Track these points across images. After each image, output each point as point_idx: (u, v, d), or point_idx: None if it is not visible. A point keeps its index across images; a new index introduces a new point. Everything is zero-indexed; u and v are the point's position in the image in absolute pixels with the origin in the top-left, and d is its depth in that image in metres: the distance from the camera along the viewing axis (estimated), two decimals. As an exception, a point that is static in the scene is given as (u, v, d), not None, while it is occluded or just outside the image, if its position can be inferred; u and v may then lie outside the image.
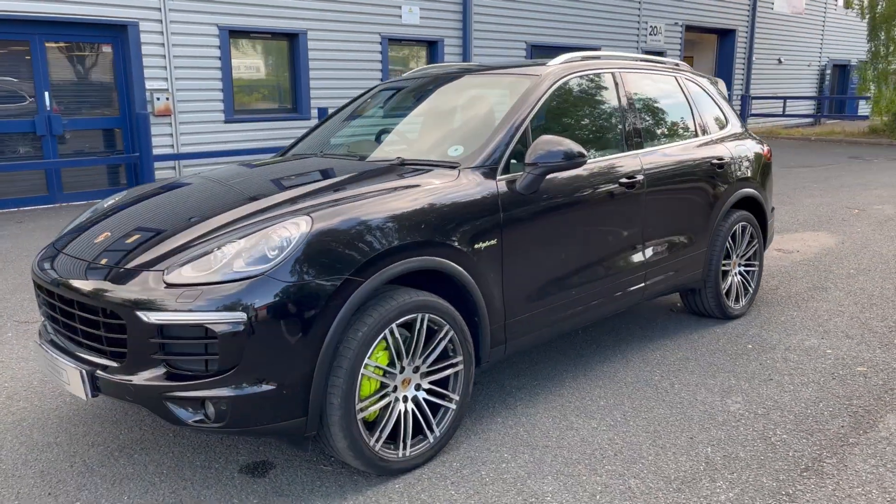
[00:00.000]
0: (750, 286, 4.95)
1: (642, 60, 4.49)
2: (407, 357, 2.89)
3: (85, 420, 3.48)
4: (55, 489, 2.88)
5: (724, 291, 4.69)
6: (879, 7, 19.42)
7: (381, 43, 12.78)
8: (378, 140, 3.95)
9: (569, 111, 3.81)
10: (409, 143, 3.76)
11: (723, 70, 21.45)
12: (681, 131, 4.49)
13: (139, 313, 2.53)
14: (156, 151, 10.07)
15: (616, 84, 4.08)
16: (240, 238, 2.66)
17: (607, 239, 3.78)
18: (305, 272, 2.57)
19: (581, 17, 16.16)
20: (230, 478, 2.94)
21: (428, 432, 2.98)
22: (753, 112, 21.25)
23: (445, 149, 3.49)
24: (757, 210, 4.94)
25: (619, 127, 4.02)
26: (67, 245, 3.10)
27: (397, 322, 2.79)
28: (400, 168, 3.31)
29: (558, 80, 3.72)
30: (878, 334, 4.46)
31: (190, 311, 2.49)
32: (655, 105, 4.36)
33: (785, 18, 22.92)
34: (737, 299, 4.83)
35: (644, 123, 4.18)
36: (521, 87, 3.64)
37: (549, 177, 3.36)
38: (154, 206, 3.31)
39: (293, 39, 11.77)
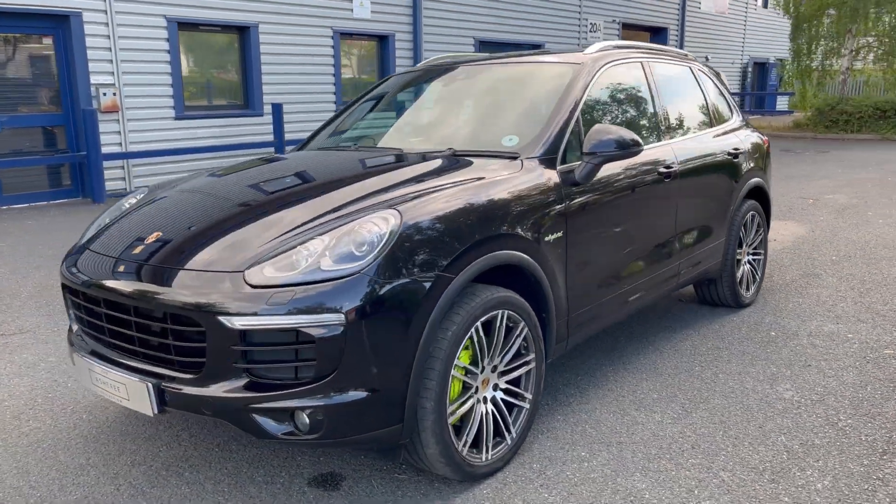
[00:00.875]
0: (757, 274, 5.02)
1: (658, 51, 4.47)
2: (486, 356, 2.76)
3: (114, 438, 3.20)
4: (109, 516, 2.62)
5: (738, 280, 4.74)
6: (802, 7, 20.31)
7: (332, 37, 12.49)
8: (414, 131, 3.78)
9: (609, 100, 3.74)
10: (451, 134, 3.60)
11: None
12: (700, 121, 4.50)
13: (222, 319, 2.31)
14: (103, 150, 9.50)
15: (645, 73, 4.05)
16: (322, 235, 2.47)
17: (649, 229, 3.74)
18: (401, 269, 2.40)
19: (526, 14, 16.25)
20: (300, 492, 2.73)
21: (506, 433, 2.86)
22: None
23: (498, 139, 3.36)
24: (762, 199, 5.02)
25: (653, 116, 3.99)
26: (108, 247, 2.82)
27: (481, 320, 2.66)
28: (458, 159, 3.17)
29: (599, 69, 3.65)
30: (888, 318, 4.59)
31: (282, 314, 2.28)
32: (678, 95, 4.36)
33: (711, 17, 23.71)
34: (747, 287, 4.89)
35: (671, 113, 4.17)
36: (565, 76, 3.55)
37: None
38: (202, 202, 3.05)
39: (244, 33, 11.35)
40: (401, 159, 3.31)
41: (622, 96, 3.86)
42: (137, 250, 2.69)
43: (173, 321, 2.43)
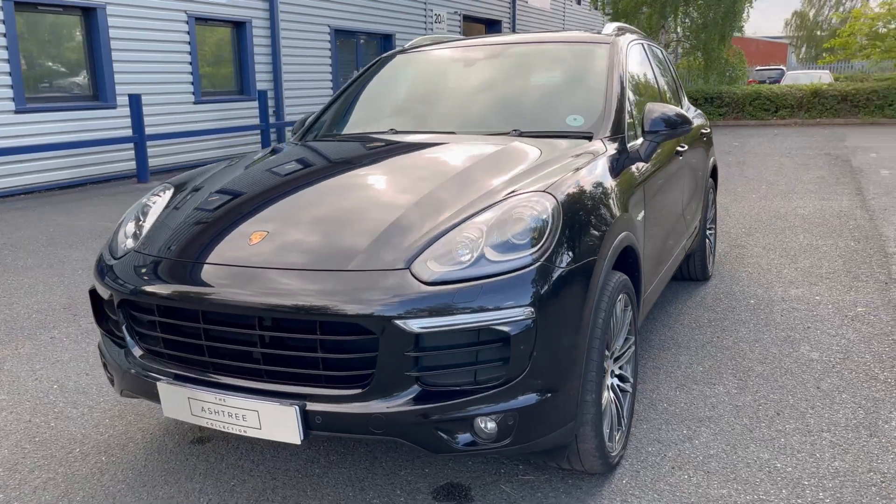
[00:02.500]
0: (712, 247, 5.32)
1: (641, 33, 4.56)
2: (613, 342, 2.66)
3: (164, 479, 2.70)
4: (231, 569, 2.20)
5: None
6: (620, 4, 21.86)
7: (187, 22, 11.52)
8: (457, 114, 3.51)
9: (636, 79, 3.75)
10: (503, 115, 3.39)
11: (492, 58, 22.72)
12: (676, 100, 4.66)
13: (399, 322, 2.01)
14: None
15: (646, 54, 4.11)
16: (474, 223, 2.23)
17: (675, 207, 3.81)
18: (569, 255, 2.24)
19: (378, 4, 16.07)
20: (419, 500, 2.48)
21: (622, 420, 2.78)
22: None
23: (558, 119, 3.25)
24: (715, 175, 5.31)
25: (658, 94, 4.07)
26: (194, 253, 2.37)
27: (616, 304, 2.55)
28: (547, 141, 3.01)
29: (626, 48, 3.65)
30: (834, 279, 5.06)
31: (468, 311, 2.03)
32: (664, 75, 4.47)
33: (538, 12, 24.89)
34: (709, 260, 5.17)
35: (667, 91, 4.28)
36: (601, 56, 3.51)
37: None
38: (291, 193, 2.68)
39: (90, 14, 10.14)
40: (482, 142, 3.07)
41: (642, 75, 3.89)
42: (248, 253, 2.27)
43: (327, 331, 2.08)
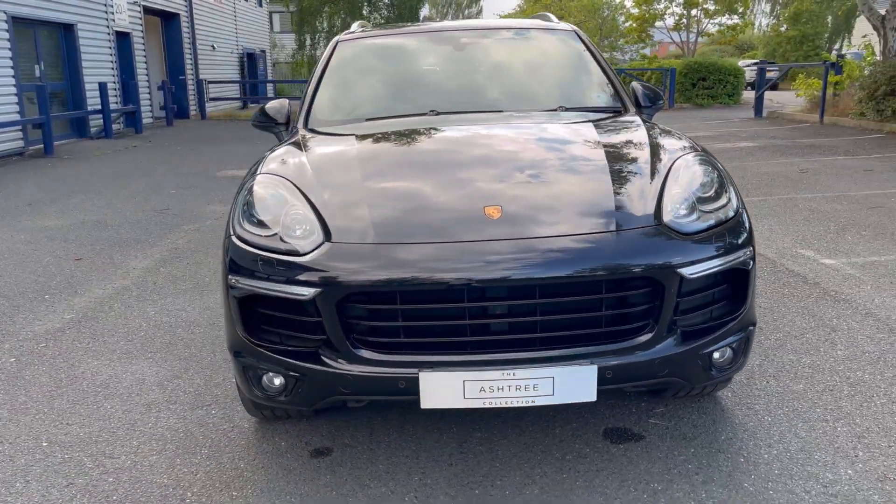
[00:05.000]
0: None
1: None
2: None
3: (343, 489, 2.45)
4: None
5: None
6: (305, 1, 22.12)
7: None
8: (483, 94, 3.54)
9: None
10: (534, 94, 3.58)
11: (172, 53, 21.27)
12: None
13: (680, 271, 2.21)
14: None
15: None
16: (673, 182, 2.49)
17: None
18: (741, 206, 2.59)
19: (57, -11, 14.07)
20: (602, 447, 2.66)
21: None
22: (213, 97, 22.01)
23: (587, 95, 3.59)
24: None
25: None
26: (441, 234, 2.26)
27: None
28: (594, 113, 3.29)
29: (581, 35, 4.08)
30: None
31: (719, 255, 2.32)
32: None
33: (212, 7, 23.88)
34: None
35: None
36: (576, 40, 3.87)
37: None
38: (473, 168, 2.65)
39: None
40: (565, 118, 3.27)
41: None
42: (499, 229, 2.24)
43: (610, 289, 2.19)
